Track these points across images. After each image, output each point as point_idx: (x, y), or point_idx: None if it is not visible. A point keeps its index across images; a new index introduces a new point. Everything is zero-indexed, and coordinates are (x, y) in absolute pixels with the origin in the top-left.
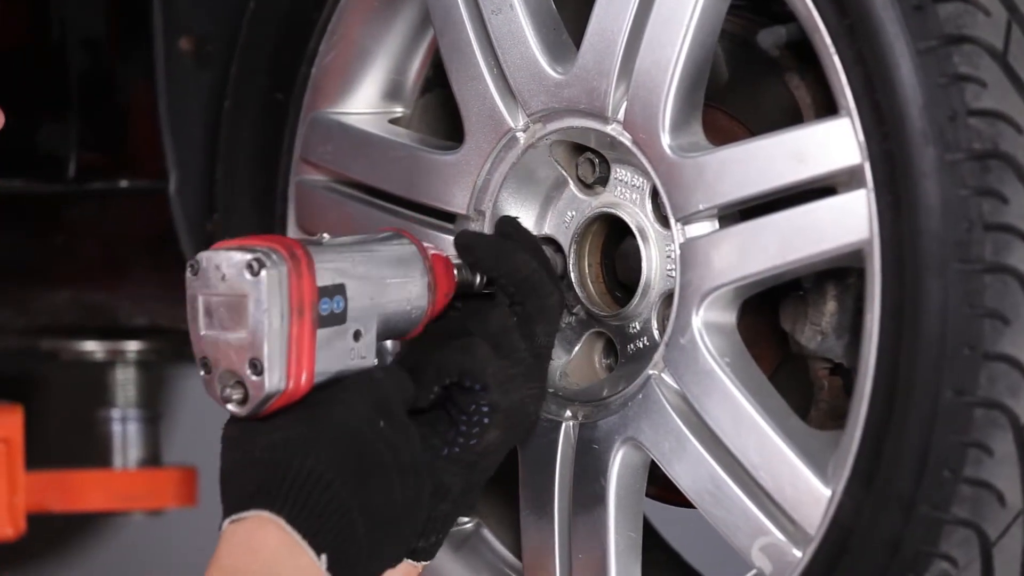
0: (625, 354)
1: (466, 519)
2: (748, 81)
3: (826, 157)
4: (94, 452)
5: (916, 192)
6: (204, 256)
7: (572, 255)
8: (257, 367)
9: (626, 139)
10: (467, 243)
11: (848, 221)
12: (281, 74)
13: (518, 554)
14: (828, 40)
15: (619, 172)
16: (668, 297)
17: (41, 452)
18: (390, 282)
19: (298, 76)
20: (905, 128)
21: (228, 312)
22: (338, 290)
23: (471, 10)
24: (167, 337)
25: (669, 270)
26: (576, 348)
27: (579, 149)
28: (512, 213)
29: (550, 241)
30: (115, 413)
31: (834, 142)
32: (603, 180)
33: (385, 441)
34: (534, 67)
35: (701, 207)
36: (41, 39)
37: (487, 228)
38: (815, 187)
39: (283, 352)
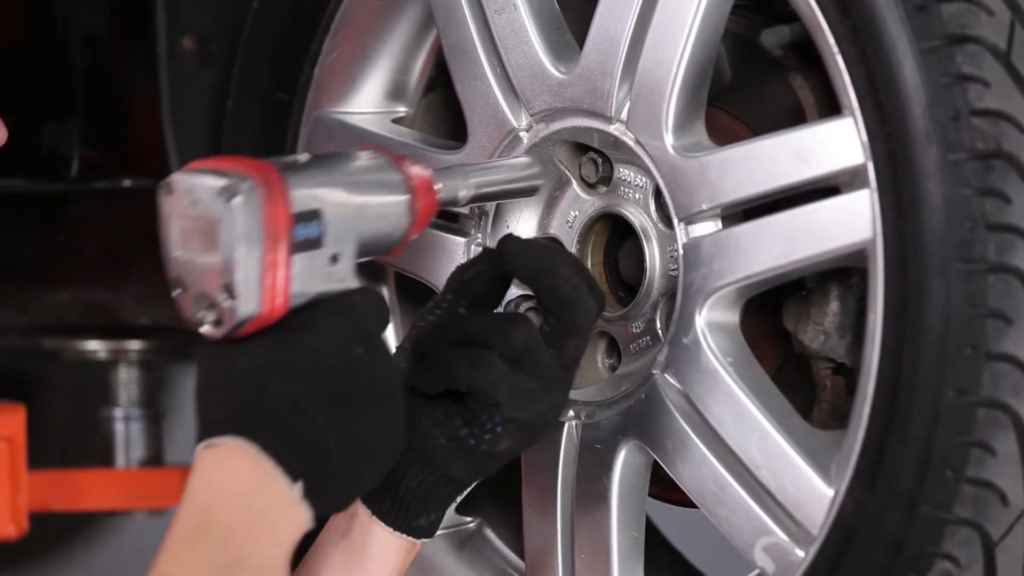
0: (628, 354)
1: (469, 518)
2: (751, 81)
3: (829, 157)
4: (96, 451)
5: (919, 192)
6: (178, 178)
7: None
8: (231, 291)
9: (629, 139)
10: (510, 250)
11: (851, 221)
12: (284, 73)
13: (521, 554)
14: (831, 40)
15: (622, 172)
16: (671, 297)
17: (43, 451)
18: (369, 203)
19: (301, 75)
20: (908, 128)
21: (201, 236)
22: (314, 215)
23: (474, 10)
24: (170, 336)
25: (672, 270)
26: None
27: (582, 149)
28: (515, 213)
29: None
30: (118, 412)
31: (837, 142)
32: (606, 180)
33: (362, 368)
34: (537, 67)
35: (704, 207)
36: (44, 38)
37: (489, 228)
38: (818, 187)
39: (257, 277)
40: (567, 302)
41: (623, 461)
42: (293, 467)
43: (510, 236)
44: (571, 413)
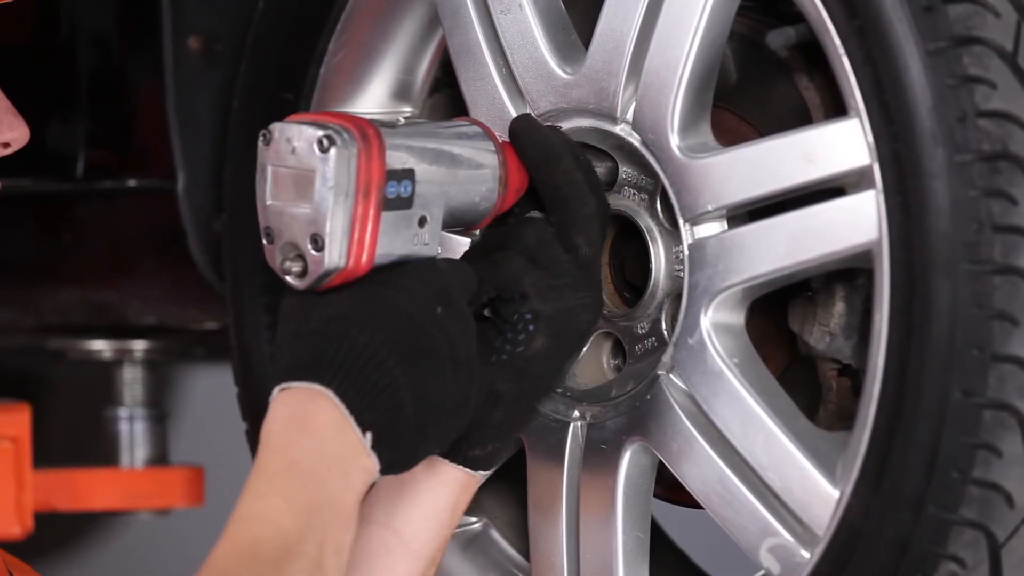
0: (633, 354)
1: (474, 519)
2: (757, 82)
3: (835, 158)
4: (101, 451)
5: (925, 193)
6: (277, 127)
7: None
8: (318, 242)
9: (635, 140)
10: (519, 128)
11: (857, 222)
12: (290, 74)
13: (526, 554)
14: (837, 41)
15: (627, 173)
16: (676, 298)
17: (48, 451)
18: (461, 172)
19: (307, 76)
20: (914, 129)
21: (295, 185)
22: (407, 174)
23: (480, 10)
24: (175, 336)
25: (677, 271)
26: (584, 348)
27: (587, 149)
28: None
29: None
30: (122, 412)
31: (843, 143)
32: (611, 181)
33: (442, 329)
34: (543, 67)
35: (710, 208)
36: (50, 38)
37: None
38: (824, 188)
39: (345, 230)
40: (560, 195)
41: (628, 462)
42: (364, 416)
43: (525, 115)
44: (576, 413)
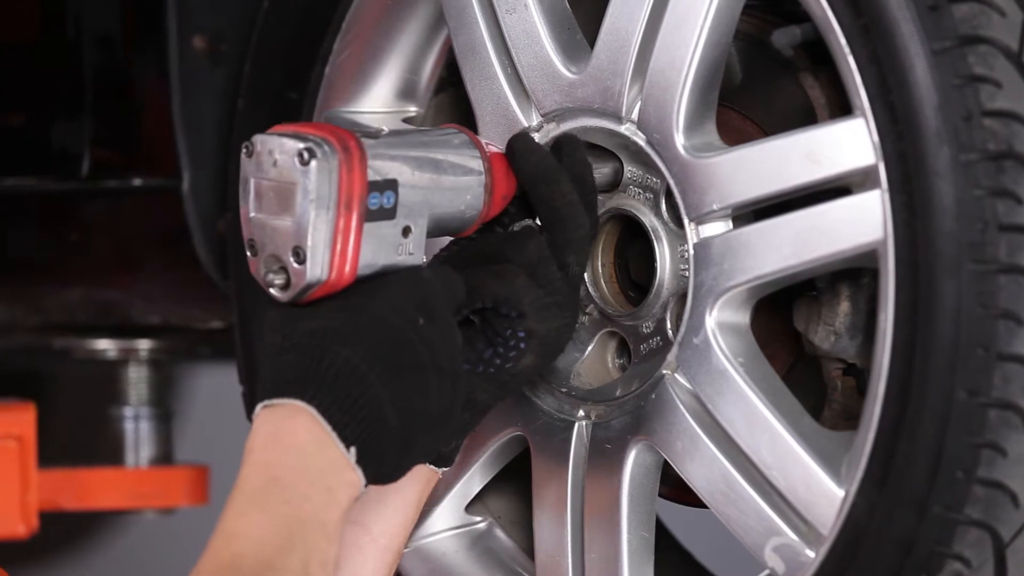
0: (638, 354)
1: (479, 518)
2: (762, 81)
3: (840, 157)
4: (106, 450)
5: (930, 192)
6: (259, 139)
7: None
8: (300, 255)
9: (640, 139)
10: (517, 148)
11: (862, 221)
12: (295, 73)
13: (531, 554)
14: (843, 40)
15: (632, 172)
16: (681, 297)
17: (53, 450)
18: (445, 180)
19: (312, 75)
20: (920, 128)
21: (277, 198)
22: (389, 185)
23: (485, 9)
24: (180, 335)
25: (683, 270)
26: (589, 348)
27: (592, 149)
28: None
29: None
30: (127, 411)
31: (848, 142)
32: (616, 180)
33: (424, 340)
34: (548, 67)
35: (715, 207)
36: (55, 37)
37: None
38: (829, 187)
39: (327, 243)
40: (557, 216)
41: (633, 461)
42: (347, 432)
43: (522, 134)
44: (581, 413)
